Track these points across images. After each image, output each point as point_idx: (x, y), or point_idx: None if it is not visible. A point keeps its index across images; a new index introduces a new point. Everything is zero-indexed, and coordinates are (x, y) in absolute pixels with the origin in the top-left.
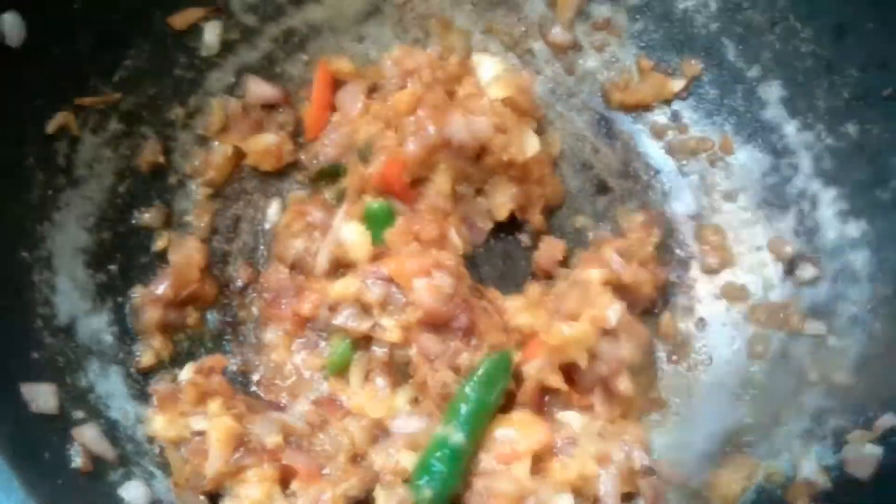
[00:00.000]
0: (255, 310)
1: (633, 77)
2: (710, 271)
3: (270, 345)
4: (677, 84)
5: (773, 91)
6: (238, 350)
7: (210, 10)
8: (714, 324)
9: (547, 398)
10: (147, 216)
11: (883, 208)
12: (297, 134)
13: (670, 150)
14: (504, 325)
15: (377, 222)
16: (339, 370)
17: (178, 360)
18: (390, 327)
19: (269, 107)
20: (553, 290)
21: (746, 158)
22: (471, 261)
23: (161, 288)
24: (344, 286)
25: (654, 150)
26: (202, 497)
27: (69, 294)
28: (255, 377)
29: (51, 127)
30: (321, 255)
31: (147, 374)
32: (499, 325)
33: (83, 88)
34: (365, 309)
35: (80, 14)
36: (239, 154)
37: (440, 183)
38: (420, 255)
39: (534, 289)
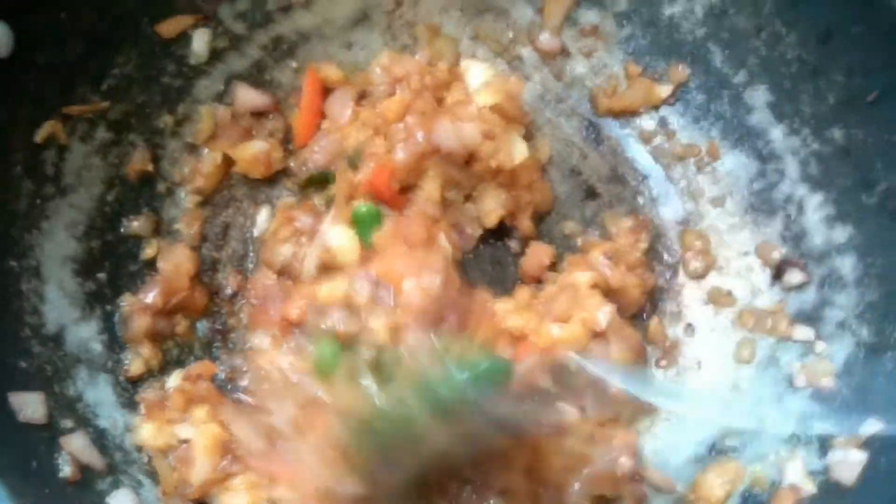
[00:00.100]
0: (244, 317)
1: (620, 83)
2: (696, 276)
3: (258, 350)
4: (664, 90)
5: (759, 96)
6: (227, 357)
7: (199, 18)
8: (702, 329)
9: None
10: (136, 224)
11: (869, 213)
12: (286, 141)
13: (658, 156)
14: (495, 326)
15: (365, 225)
16: (326, 372)
17: (167, 369)
18: (378, 328)
19: (259, 114)
20: (542, 293)
21: (733, 164)
22: (460, 267)
23: (150, 296)
24: (332, 288)
25: (641, 156)
26: None
27: (57, 303)
28: (243, 383)
29: (39, 136)
30: (308, 260)
31: (136, 382)
32: (489, 326)
33: (71, 97)
34: (353, 311)
35: (67, 23)
36: (228, 162)
37: (429, 190)
38: (409, 256)
39: (523, 292)
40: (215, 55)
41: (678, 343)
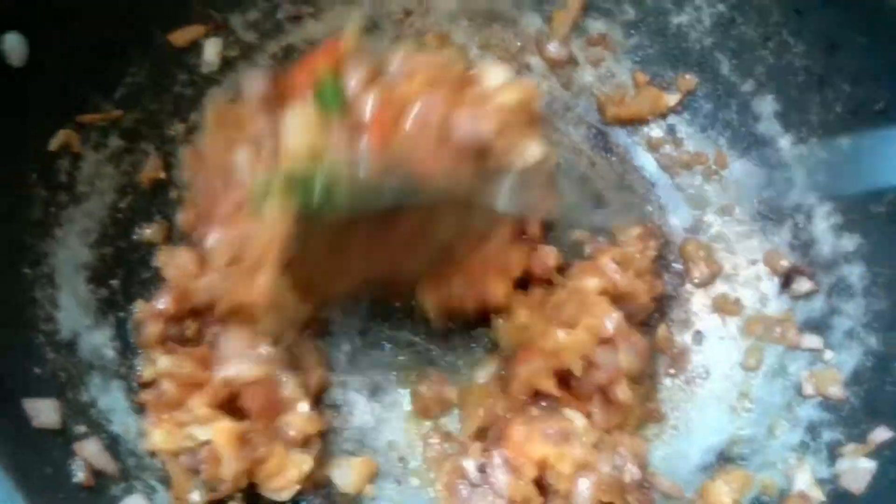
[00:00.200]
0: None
1: (628, 91)
2: (702, 285)
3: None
4: (672, 98)
5: (766, 105)
6: None
7: (210, 28)
8: (711, 337)
9: (544, 404)
10: (148, 232)
11: (877, 222)
12: None
13: (666, 164)
14: None
15: (329, 94)
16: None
17: None
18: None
19: None
20: (552, 299)
21: (741, 172)
22: None
23: (162, 302)
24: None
25: (649, 164)
26: None
27: (71, 310)
28: None
29: (53, 144)
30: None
31: (148, 388)
32: None
33: (84, 106)
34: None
35: (80, 33)
36: None
37: None
38: None
39: (537, 292)
40: (227, 64)
41: (686, 350)
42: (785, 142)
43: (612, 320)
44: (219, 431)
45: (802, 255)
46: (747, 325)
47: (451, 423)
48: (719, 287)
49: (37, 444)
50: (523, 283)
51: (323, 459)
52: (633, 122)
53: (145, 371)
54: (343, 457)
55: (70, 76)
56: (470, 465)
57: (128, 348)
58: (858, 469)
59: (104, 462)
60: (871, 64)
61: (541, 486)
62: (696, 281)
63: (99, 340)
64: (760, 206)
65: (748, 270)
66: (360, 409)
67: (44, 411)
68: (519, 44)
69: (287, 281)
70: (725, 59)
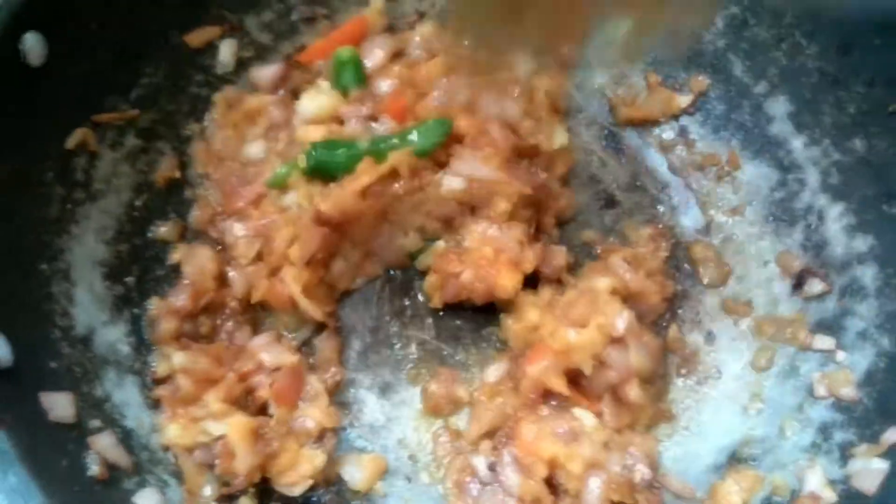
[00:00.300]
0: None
1: (640, 93)
2: (712, 286)
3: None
4: (684, 99)
5: (779, 106)
6: None
7: (226, 29)
8: (723, 338)
9: (554, 403)
10: (163, 230)
11: (890, 223)
12: None
13: (678, 165)
14: None
15: (346, 69)
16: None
17: None
18: None
19: None
20: (562, 298)
21: (754, 173)
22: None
23: (180, 299)
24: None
25: (661, 165)
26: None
27: (87, 305)
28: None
29: (70, 143)
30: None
31: (163, 383)
32: None
33: (101, 105)
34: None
35: (98, 33)
36: None
37: None
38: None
39: (546, 292)
40: (241, 65)
41: (698, 351)
42: (798, 143)
43: (623, 320)
44: (233, 426)
45: (815, 256)
46: (759, 325)
47: (461, 421)
48: (731, 288)
49: (52, 437)
50: (533, 282)
51: (334, 456)
52: (645, 124)
53: (160, 367)
54: (354, 454)
55: (87, 76)
56: (480, 464)
57: (142, 344)
58: (871, 470)
59: (118, 456)
60: (884, 65)
61: (551, 485)
62: (705, 282)
63: (114, 336)
64: (773, 208)
65: (760, 271)
66: (370, 407)
67: (59, 405)
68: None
69: (308, 276)
70: (738, 61)
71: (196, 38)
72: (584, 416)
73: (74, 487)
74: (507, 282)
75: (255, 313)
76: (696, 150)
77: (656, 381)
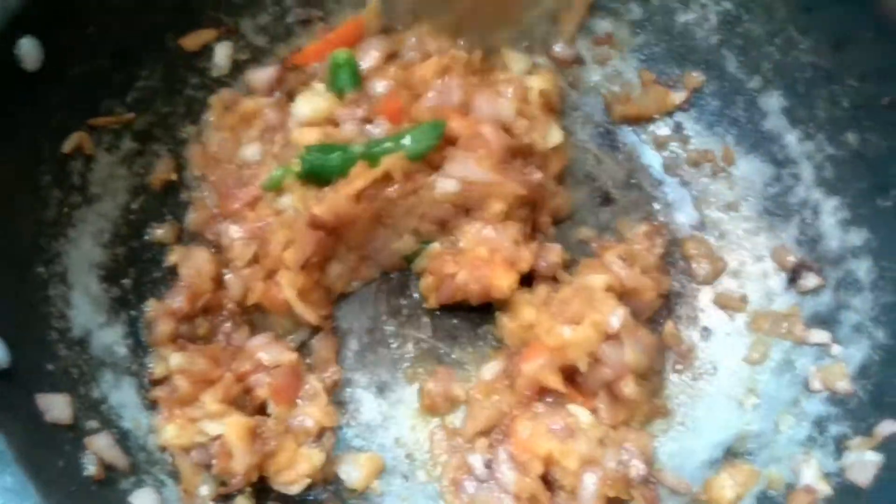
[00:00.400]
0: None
1: (635, 90)
2: (706, 282)
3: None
4: (679, 96)
5: (773, 101)
6: None
7: (221, 32)
8: (718, 333)
9: (550, 400)
10: (159, 232)
11: (884, 216)
12: None
13: (673, 162)
14: None
15: (342, 72)
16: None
17: None
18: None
19: None
20: (557, 296)
21: (748, 169)
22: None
23: (177, 301)
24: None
25: (656, 162)
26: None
27: (84, 308)
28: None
29: (66, 147)
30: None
31: (160, 384)
32: None
33: (98, 109)
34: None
35: (94, 38)
36: None
37: None
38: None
39: (542, 289)
40: (237, 67)
41: (694, 347)
42: (792, 138)
43: (617, 316)
44: (231, 426)
45: (810, 251)
46: (754, 320)
47: (457, 419)
48: (726, 283)
49: (49, 437)
50: (529, 280)
51: (331, 455)
52: (640, 121)
53: (157, 368)
54: (351, 453)
55: (84, 80)
56: (476, 461)
57: (139, 346)
58: (865, 462)
59: (115, 456)
60: (877, 59)
61: (547, 481)
62: (699, 278)
63: (111, 338)
64: (767, 203)
65: (755, 266)
66: (367, 406)
67: (56, 406)
68: (526, 44)
69: (303, 280)
70: (732, 57)
71: (192, 41)
72: (579, 413)
73: (71, 487)
74: (502, 282)
75: (253, 315)
76: (691, 147)
77: (652, 377)
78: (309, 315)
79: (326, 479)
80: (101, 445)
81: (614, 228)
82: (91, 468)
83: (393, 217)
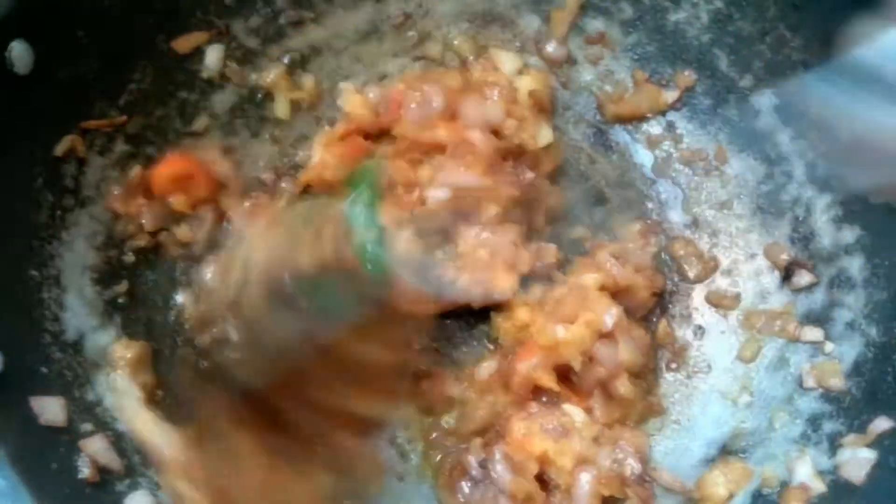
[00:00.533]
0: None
1: (627, 89)
2: (697, 281)
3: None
4: (671, 95)
5: (765, 100)
6: None
7: (213, 34)
8: (712, 331)
9: (545, 399)
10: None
11: (876, 213)
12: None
13: (665, 160)
14: None
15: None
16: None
17: None
18: None
19: None
20: (552, 295)
21: (741, 167)
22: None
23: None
24: None
25: (649, 161)
26: None
27: (77, 311)
28: None
29: (59, 150)
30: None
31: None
32: None
33: (90, 112)
34: None
35: (85, 40)
36: None
37: None
38: None
39: (536, 289)
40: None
41: (688, 345)
42: (784, 136)
43: (611, 315)
44: None
45: (803, 248)
46: (748, 318)
47: (452, 419)
48: (719, 282)
49: (43, 440)
50: (523, 280)
51: None
52: (633, 120)
53: None
54: None
55: (75, 83)
56: (471, 462)
57: None
58: (859, 459)
59: (109, 459)
60: None
61: (542, 481)
62: (691, 277)
63: (105, 341)
64: (760, 200)
65: (748, 265)
66: None
67: (50, 409)
68: (518, 44)
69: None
70: (723, 55)
71: (183, 43)
72: (573, 412)
73: (65, 490)
74: (504, 284)
75: None
76: (684, 146)
77: (646, 375)
78: None
79: None
80: (95, 448)
81: (608, 227)
82: (86, 471)
83: None
